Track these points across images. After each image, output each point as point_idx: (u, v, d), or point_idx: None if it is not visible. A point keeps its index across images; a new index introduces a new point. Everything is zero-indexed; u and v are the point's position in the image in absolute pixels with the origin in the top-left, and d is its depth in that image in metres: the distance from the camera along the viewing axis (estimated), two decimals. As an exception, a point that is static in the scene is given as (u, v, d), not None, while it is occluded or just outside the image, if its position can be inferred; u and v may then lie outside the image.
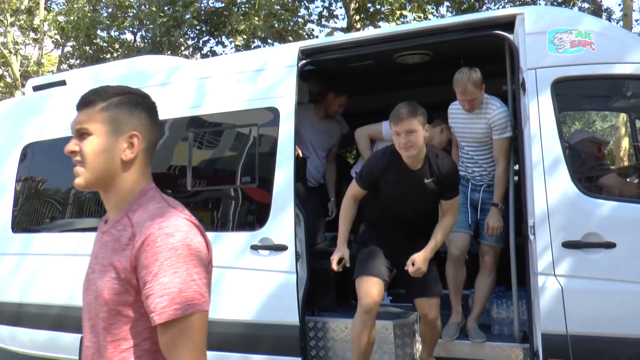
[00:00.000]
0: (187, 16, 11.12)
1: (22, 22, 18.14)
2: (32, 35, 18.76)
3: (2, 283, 4.85)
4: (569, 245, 3.04)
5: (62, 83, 5.14)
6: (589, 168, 3.53)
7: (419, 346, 3.74)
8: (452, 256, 3.81)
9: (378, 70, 4.68)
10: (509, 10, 3.42)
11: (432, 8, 12.99)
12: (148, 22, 12.07)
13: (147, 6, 11.95)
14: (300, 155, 4.22)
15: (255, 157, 3.84)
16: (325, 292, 4.00)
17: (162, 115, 4.13)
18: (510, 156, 3.70)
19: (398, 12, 11.35)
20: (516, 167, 3.85)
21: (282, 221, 3.63)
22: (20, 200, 4.95)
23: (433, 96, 5.09)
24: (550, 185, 3.11)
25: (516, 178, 3.91)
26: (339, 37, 4.01)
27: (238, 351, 3.76)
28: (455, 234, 3.73)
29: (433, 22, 3.90)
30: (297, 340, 3.59)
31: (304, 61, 3.82)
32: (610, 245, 2.97)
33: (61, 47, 17.52)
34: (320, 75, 4.60)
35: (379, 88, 5.33)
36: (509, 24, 3.41)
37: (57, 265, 4.56)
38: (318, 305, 3.98)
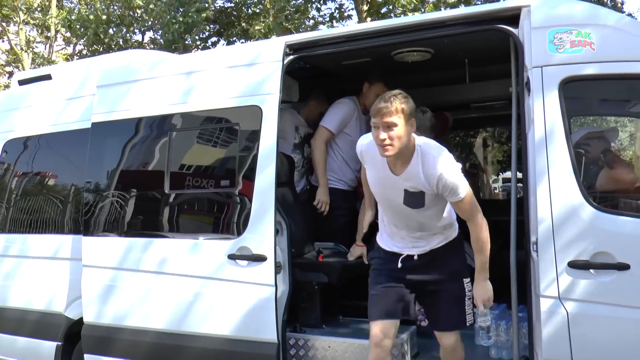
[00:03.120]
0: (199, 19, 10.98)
1: (36, 20, 18.12)
2: (45, 33, 18.74)
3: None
4: (576, 265, 2.70)
5: (48, 77, 4.94)
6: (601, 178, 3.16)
7: (410, 370, 3.41)
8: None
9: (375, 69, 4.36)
10: (513, 2, 3.06)
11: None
12: (158, 25, 11.92)
13: (156, 8, 11.78)
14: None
15: (235, 159, 3.56)
16: (310, 306, 3.69)
17: (143, 113, 3.91)
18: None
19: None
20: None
21: (262, 229, 3.33)
22: (2, 198, 4.73)
23: (434, 97, 4.79)
24: (556, 197, 2.77)
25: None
26: (330, 31, 3.70)
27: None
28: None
29: (431, 14, 3.57)
30: (274, 358, 3.29)
31: (291, 57, 3.52)
32: (623, 267, 2.61)
33: (72, 46, 17.45)
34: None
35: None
36: (514, 17, 3.08)
37: (36, 269, 4.33)
38: (301, 320, 3.67)
